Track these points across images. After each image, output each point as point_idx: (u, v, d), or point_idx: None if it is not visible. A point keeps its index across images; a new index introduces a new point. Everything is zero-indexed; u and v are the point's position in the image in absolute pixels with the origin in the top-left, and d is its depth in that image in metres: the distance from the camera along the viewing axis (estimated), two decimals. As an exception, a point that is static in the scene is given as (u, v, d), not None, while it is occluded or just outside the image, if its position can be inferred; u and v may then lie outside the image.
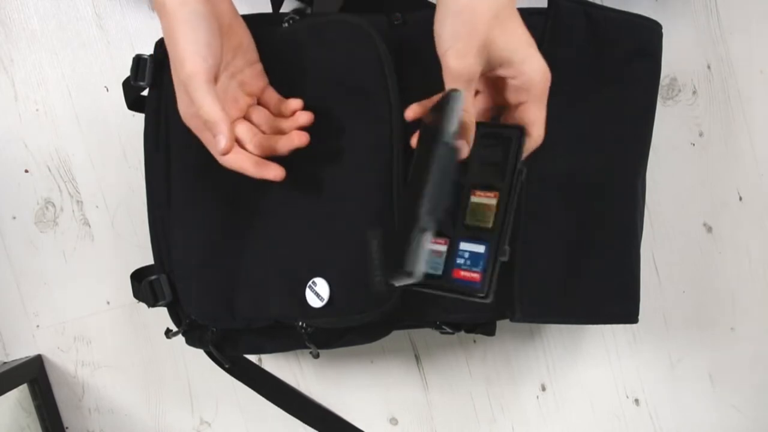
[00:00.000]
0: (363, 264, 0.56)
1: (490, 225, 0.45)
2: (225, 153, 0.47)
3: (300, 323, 0.59)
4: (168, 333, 0.63)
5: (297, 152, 0.55)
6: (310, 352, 0.61)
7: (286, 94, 0.56)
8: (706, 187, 0.78)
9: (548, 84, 0.47)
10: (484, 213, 0.45)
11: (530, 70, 0.45)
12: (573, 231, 0.58)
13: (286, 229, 0.58)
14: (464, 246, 0.45)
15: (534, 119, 0.47)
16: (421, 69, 0.57)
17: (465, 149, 0.47)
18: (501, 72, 0.46)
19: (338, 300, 0.57)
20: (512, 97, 0.48)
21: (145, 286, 0.62)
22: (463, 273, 0.45)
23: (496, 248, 0.44)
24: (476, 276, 0.44)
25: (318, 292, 0.57)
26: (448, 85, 0.45)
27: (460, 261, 0.45)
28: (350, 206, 0.57)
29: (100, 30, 0.77)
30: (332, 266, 0.57)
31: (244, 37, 0.53)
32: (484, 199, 0.46)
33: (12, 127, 0.78)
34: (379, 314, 0.56)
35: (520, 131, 0.46)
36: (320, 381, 0.80)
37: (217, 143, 0.47)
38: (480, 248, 0.45)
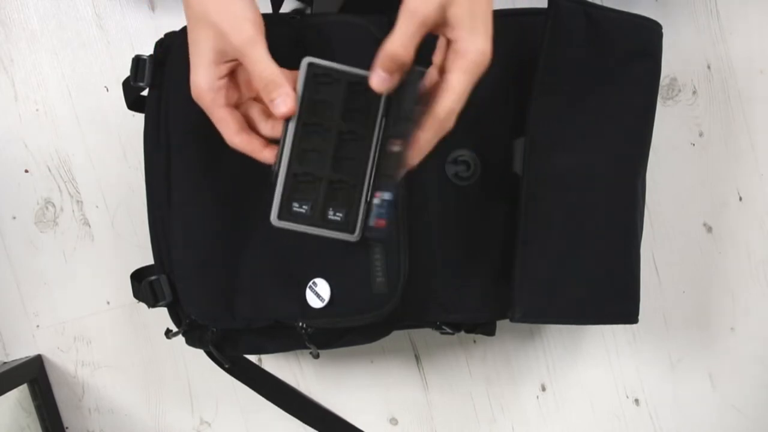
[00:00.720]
0: (364, 265, 0.56)
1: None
2: (289, 113, 0.47)
3: (300, 324, 0.59)
4: (168, 333, 0.63)
5: None
6: (310, 353, 0.61)
7: None
8: (706, 187, 0.78)
9: (482, 66, 0.46)
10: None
11: (471, 41, 0.45)
12: (573, 231, 0.58)
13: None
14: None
15: (451, 87, 0.46)
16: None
17: (386, 82, 0.47)
18: (446, 31, 0.46)
19: (339, 300, 0.57)
20: (446, 60, 0.47)
21: (145, 286, 0.62)
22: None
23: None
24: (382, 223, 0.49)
25: (318, 293, 0.57)
26: (401, 21, 0.45)
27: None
28: None
29: (100, 30, 0.77)
30: (333, 267, 0.57)
31: (261, 26, 0.52)
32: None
33: (12, 127, 0.78)
34: (379, 315, 0.56)
35: (421, 73, 0.47)
36: (320, 381, 0.80)
37: (279, 105, 0.47)
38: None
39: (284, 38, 0.57)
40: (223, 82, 0.49)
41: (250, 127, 0.51)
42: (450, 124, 0.47)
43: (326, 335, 0.61)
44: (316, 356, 0.61)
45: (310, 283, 0.57)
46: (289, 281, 0.58)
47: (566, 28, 0.56)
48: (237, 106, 0.51)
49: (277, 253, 0.58)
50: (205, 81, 0.48)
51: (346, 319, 0.57)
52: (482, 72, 0.46)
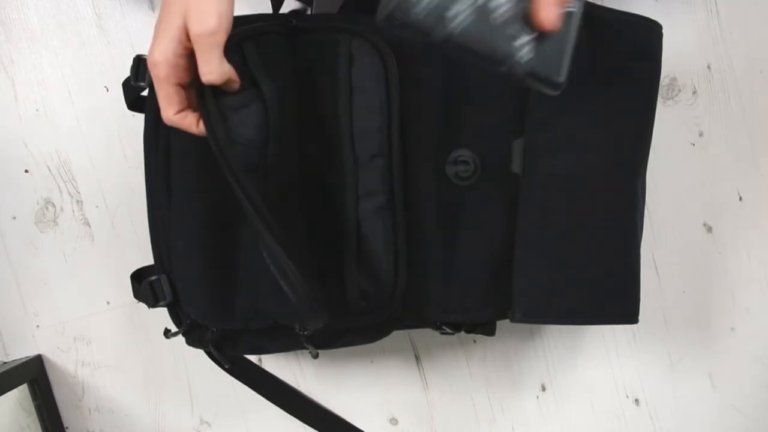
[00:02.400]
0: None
1: None
2: None
3: (297, 325, 0.58)
4: (167, 333, 0.63)
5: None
6: (310, 353, 0.61)
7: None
8: (706, 187, 0.78)
9: None
10: None
11: None
12: (573, 231, 0.58)
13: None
14: None
15: None
16: (419, 68, 0.57)
17: None
18: None
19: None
20: None
21: (146, 286, 0.62)
22: None
23: None
24: None
25: None
26: None
27: None
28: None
29: (100, 30, 0.77)
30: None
31: (229, 22, 0.51)
32: None
33: (12, 127, 0.78)
34: (370, 320, 0.56)
35: None
36: (320, 381, 0.80)
37: None
38: None
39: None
40: (182, 60, 0.48)
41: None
42: None
43: (325, 335, 0.61)
44: (315, 356, 0.61)
45: None
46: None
47: (566, 28, 0.56)
48: (183, 87, 0.51)
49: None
50: (164, 53, 0.48)
51: (336, 322, 0.56)
52: None
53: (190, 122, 0.50)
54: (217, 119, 0.50)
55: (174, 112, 0.50)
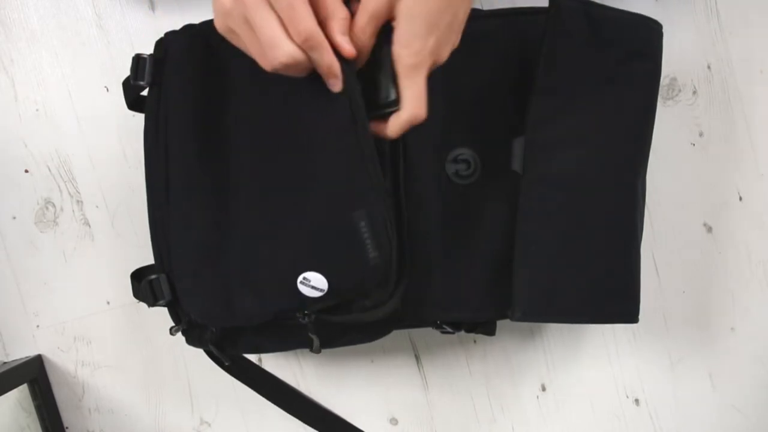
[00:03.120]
0: (355, 247, 0.54)
1: None
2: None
3: (302, 314, 0.57)
4: (172, 329, 0.63)
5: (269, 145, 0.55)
6: (311, 350, 0.61)
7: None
8: (706, 187, 0.78)
9: (416, 61, 0.46)
10: None
11: (403, 36, 0.45)
12: (573, 231, 0.58)
13: (280, 225, 0.58)
14: None
15: (405, 94, 0.47)
16: None
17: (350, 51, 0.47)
18: (394, 23, 0.46)
19: (337, 288, 0.55)
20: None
21: (145, 285, 0.62)
22: None
23: None
24: None
25: (314, 286, 0.55)
26: (361, 11, 0.45)
27: None
28: (325, 193, 0.56)
29: (100, 30, 0.77)
30: (324, 257, 0.55)
31: None
32: None
33: (12, 127, 0.78)
34: (386, 295, 0.55)
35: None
36: (320, 381, 0.80)
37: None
38: None
39: None
40: None
41: None
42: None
43: (327, 331, 0.60)
44: (318, 351, 0.61)
45: (301, 278, 0.56)
46: (286, 277, 0.58)
47: (566, 27, 0.56)
48: None
49: (274, 249, 0.58)
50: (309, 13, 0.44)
51: (347, 300, 0.55)
52: (418, 65, 0.46)
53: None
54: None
55: (315, 23, 0.45)
